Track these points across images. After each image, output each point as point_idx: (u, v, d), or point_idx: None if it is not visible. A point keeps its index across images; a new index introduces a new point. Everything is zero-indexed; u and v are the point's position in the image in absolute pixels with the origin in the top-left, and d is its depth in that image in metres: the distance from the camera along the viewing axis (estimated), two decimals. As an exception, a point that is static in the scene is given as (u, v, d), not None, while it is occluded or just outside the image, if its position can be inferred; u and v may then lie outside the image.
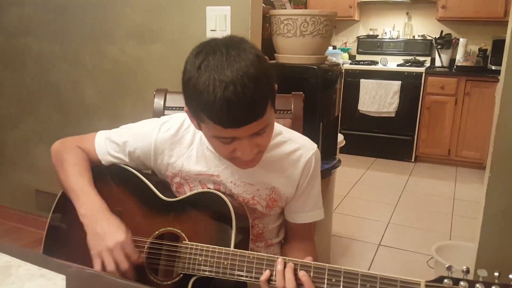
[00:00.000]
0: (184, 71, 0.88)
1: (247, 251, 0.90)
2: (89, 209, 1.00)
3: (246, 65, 0.81)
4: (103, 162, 1.13)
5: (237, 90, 0.79)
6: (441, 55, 4.57)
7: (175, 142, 1.08)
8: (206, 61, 0.83)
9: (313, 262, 0.85)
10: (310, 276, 0.83)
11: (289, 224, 1.15)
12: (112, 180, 1.13)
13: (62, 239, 1.11)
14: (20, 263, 0.83)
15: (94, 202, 1.01)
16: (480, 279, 0.75)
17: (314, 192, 1.11)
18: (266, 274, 0.86)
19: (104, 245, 0.94)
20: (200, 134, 1.07)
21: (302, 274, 0.83)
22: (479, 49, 4.48)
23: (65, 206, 1.07)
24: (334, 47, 5.11)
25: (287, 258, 0.87)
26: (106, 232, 0.95)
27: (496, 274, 0.74)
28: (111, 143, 1.12)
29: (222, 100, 0.79)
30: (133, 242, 0.96)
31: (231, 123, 0.83)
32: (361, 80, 4.54)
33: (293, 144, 1.07)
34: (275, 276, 0.85)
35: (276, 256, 0.88)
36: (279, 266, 0.85)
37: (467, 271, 0.76)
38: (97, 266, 0.94)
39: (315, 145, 1.10)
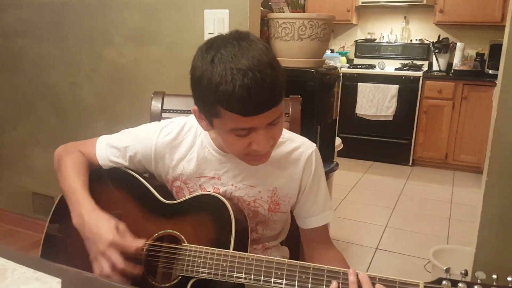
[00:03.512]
0: (193, 68, 0.88)
1: (246, 253, 0.90)
2: (77, 212, 1.00)
3: (259, 53, 0.83)
4: (104, 168, 1.13)
5: (256, 77, 0.80)
6: (439, 59, 4.59)
7: (175, 146, 1.08)
8: (218, 54, 0.83)
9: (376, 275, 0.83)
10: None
11: (304, 231, 1.14)
12: (113, 182, 1.13)
13: (60, 244, 1.10)
14: (15, 266, 0.82)
15: (82, 203, 1.00)
16: (479, 281, 0.75)
17: (321, 192, 1.10)
18: (333, 286, 0.83)
19: (97, 250, 0.94)
20: (201, 137, 1.07)
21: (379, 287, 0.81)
22: (477, 53, 4.49)
23: (63, 209, 1.07)
24: (332, 51, 5.12)
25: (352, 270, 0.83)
26: (95, 235, 0.94)
27: (494, 276, 0.74)
28: (112, 148, 1.12)
29: (243, 87, 0.80)
30: (127, 234, 0.95)
31: (252, 110, 0.83)
32: (359, 83, 4.55)
33: (292, 144, 1.08)
34: None
35: (275, 258, 0.88)
36: (351, 277, 0.82)
37: (466, 274, 0.77)
38: (96, 270, 0.93)
39: (314, 144, 1.10)
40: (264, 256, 0.89)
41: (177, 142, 1.08)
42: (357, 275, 0.82)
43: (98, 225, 0.95)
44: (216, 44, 0.85)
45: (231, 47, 0.83)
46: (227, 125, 0.87)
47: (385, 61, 4.77)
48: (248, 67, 0.80)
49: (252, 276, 0.88)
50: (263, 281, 0.87)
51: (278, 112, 0.88)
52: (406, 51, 4.86)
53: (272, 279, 0.86)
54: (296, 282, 0.85)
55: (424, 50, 4.79)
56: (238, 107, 0.82)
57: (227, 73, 0.80)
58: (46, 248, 1.13)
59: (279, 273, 0.87)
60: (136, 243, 0.94)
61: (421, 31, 4.85)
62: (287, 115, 1.35)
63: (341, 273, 0.83)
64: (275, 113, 0.87)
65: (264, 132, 0.88)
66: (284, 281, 0.86)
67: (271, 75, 0.82)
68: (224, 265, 0.90)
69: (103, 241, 0.93)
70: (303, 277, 0.85)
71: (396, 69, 4.64)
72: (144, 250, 0.99)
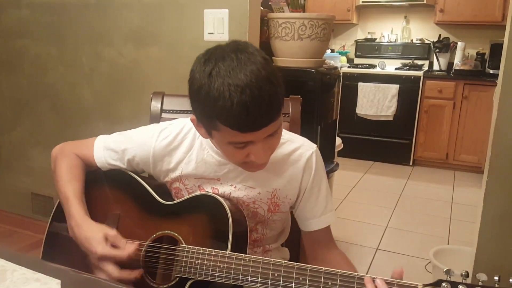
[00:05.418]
0: (191, 80, 0.87)
1: (243, 254, 0.90)
2: (69, 224, 1.01)
3: (258, 68, 0.81)
4: (102, 169, 1.13)
5: (254, 94, 0.79)
6: (439, 58, 4.58)
7: (174, 148, 1.08)
8: (216, 67, 0.82)
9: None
10: None
11: (306, 234, 1.12)
12: (111, 183, 1.13)
13: (61, 245, 1.10)
14: (15, 267, 0.82)
15: (73, 215, 1.00)
16: (480, 283, 0.74)
17: (322, 194, 1.09)
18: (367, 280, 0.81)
19: (92, 261, 0.95)
20: (200, 139, 1.06)
21: None
22: (477, 53, 4.49)
23: (63, 211, 1.07)
24: (332, 51, 5.11)
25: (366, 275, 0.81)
26: (86, 248, 0.95)
27: (496, 278, 0.73)
28: (109, 151, 1.12)
29: (240, 104, 0.79)
30: (118, 240, 0.95)
31: (250, 127, 0.82)
32: (359, 83, 4.54)
33: (292, 145, 1.07)
34: None
35: (272, 260, 0.87)
36: (369, 285, 0.80)
37: (466, 275, 0.76)
38: (101, 275, 0.94)
39: (315, 145, 1.09)
40: (261, 258, 0.88)
41: (176, 145, 1.08)
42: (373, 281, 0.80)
43: (87, 238, 0.95)
44: (214, 56, 0.84)
45: (229, 61, 0.82)
46: (225, 138, 0.87)
47: (386, 60, 4.76)
48: (246, 83, 0.79)
49: (250, 278, 0.87)
50: (260, 282, 0.87)
51: (276, 126, 0.87)
52: (407, 50, 4.86)
53: (269, 281, 0.86)
54: (293, 283, 0.85)
55: (425, 50, 4.79)
56: (236, 124, 0.82)
57: (224, 89, 0.79)
58: (47, 250, 1.13)
59: (276, 275, 0.86)
60: (127, 250, 0.93)
61: (422, 30, 4.85)
62: (287, 115, 1.34)
63: (339, 275, 0.82)
64: (274, 127, 0.86)
65: (262, 145, 0.88)
66: (281, 282, 0.86)
67: (269, 91, 0.81)
68: (221, 266, 0.90)
69: (93, 255, 0.93)
70: (300, 278, 0.85)
71: (396, 68, 4.63)
72: (142, 250, 0.99)
